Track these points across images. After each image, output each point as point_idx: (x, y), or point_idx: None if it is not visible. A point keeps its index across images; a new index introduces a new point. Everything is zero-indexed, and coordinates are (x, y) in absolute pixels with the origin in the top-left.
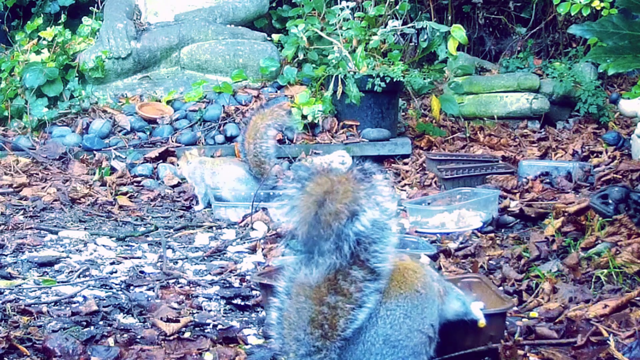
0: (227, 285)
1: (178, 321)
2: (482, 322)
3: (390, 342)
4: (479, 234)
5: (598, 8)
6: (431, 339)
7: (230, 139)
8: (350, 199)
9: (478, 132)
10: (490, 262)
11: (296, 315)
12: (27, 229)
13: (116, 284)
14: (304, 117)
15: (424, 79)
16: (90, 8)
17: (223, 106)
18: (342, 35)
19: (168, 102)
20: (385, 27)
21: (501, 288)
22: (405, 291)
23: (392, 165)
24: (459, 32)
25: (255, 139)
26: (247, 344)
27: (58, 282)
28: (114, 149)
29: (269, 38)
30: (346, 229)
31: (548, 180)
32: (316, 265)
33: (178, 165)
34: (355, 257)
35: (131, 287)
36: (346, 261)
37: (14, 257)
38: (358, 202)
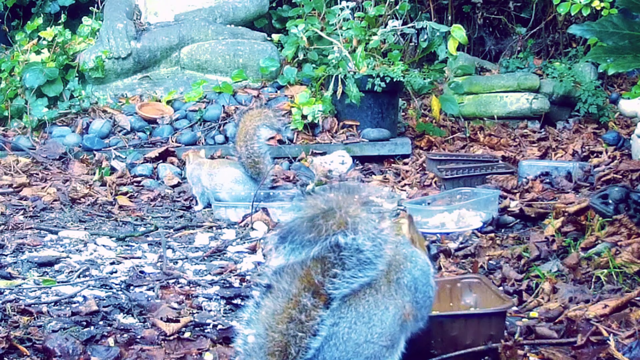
0: (227, 285)
1: (178, 321)
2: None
3: None
4: (479, 234)
5: (598, 8)
6: (388, 347)
7: (230, 139)
8: (353, 217)
9: (478, 132)
10: (490, 262)
11: (256, 344)
12: (27, 229)
13: (116, 284)
14: (304, 117)
15: (424, 79)
16: (90, 8)
17: (223, 106)
18: (342, 35)
19: (168, 102)
20: (385, 27)
21: (501, 288)
22: (349, 299)
23: (392, 165)
24: (459, 32)
25: (245, 140)
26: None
27: (58, 282)
28: (114, 149)
29: (269, 38)
30: (331, 235)
31: (548, 180)
32: (284, 252)
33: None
34: (311, 282)
35: (131, 287)
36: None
37: (14, 257)
38: (356, 222)
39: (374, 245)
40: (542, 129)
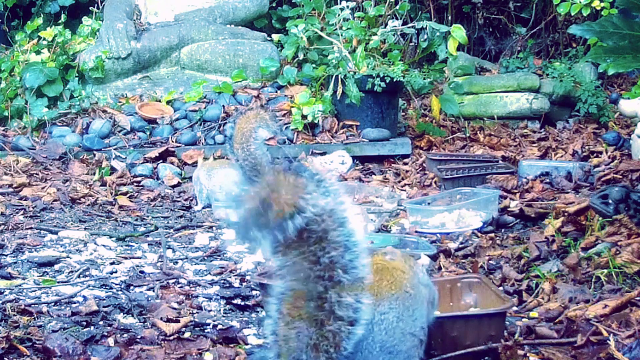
0: (227, 285)
1: (178, 321)
2: None
3: (386, 348)
4: (479, 234)
5: (598, 8)
6: (422, 341)
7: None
8: (294, 191)
9: (478, 132)
10: (490, 262)
11: (295, 339)
12: (27, 229)
13: (116, 284)
14: (304, 117)
15: (424, 79)
16: (90, 8)
17: (223, 106)
18: (342, 35)
19: (168, 102)
20: (385, 27)
21: (501, 288)
22: (396, 292)
23: (392, 165)
24: (459, 32)
25: (242, 143)
26: (247, 344)
27: (58, 282)
28: (114, 149)
29: (269, 38)
30: (289, 219)
31: (548, 180)
32: (257, 242)
33: None
34: (335, 282)
35: (131, 287)
36: (318, 283)
37: (14, 257)
38: (301, 195)
39: (334, 198)
40: (542, 129)
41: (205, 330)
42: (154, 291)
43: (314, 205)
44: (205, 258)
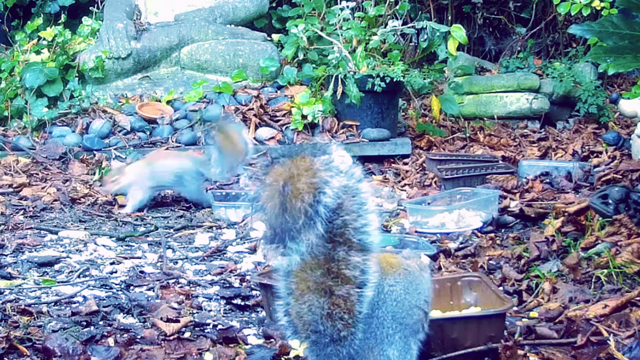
0: (227, 285)
1: (178, 321)
2: None
3: (396, 319)
4: (479, 234)
5: (598, 8)
6: (426, 314)
7: None
8: (310, 174)
9: (478, 132)
10: (490, 262)
11: (308, 313)
12: (27, 229)
13: (116, 284)
14: (304, 117)
15: (424, 79)
16: (90, 8)
17: (223, 106)
18: (342, 35)
19: (168, 102)
20: (385, 27)
21: (501, 288)
22: (396, 269)
23: (392, 165)
24: (459, 32)
25: None
26: (247, 344)
27: (58, 282)
28: (114, 149)
29: (269, 38)
30: (314, 205)
31: (548, 180)
32: (293, 252)
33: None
34: (345, 239)
35: (131, 287)
36: (328, 242)
37: (14, 257)
38: (318, 175)
39: (348, 177)
40: (542, 129)
41: (205, 330)
42: (154, 291)
43: (331, 185)
44: (205, 258)
